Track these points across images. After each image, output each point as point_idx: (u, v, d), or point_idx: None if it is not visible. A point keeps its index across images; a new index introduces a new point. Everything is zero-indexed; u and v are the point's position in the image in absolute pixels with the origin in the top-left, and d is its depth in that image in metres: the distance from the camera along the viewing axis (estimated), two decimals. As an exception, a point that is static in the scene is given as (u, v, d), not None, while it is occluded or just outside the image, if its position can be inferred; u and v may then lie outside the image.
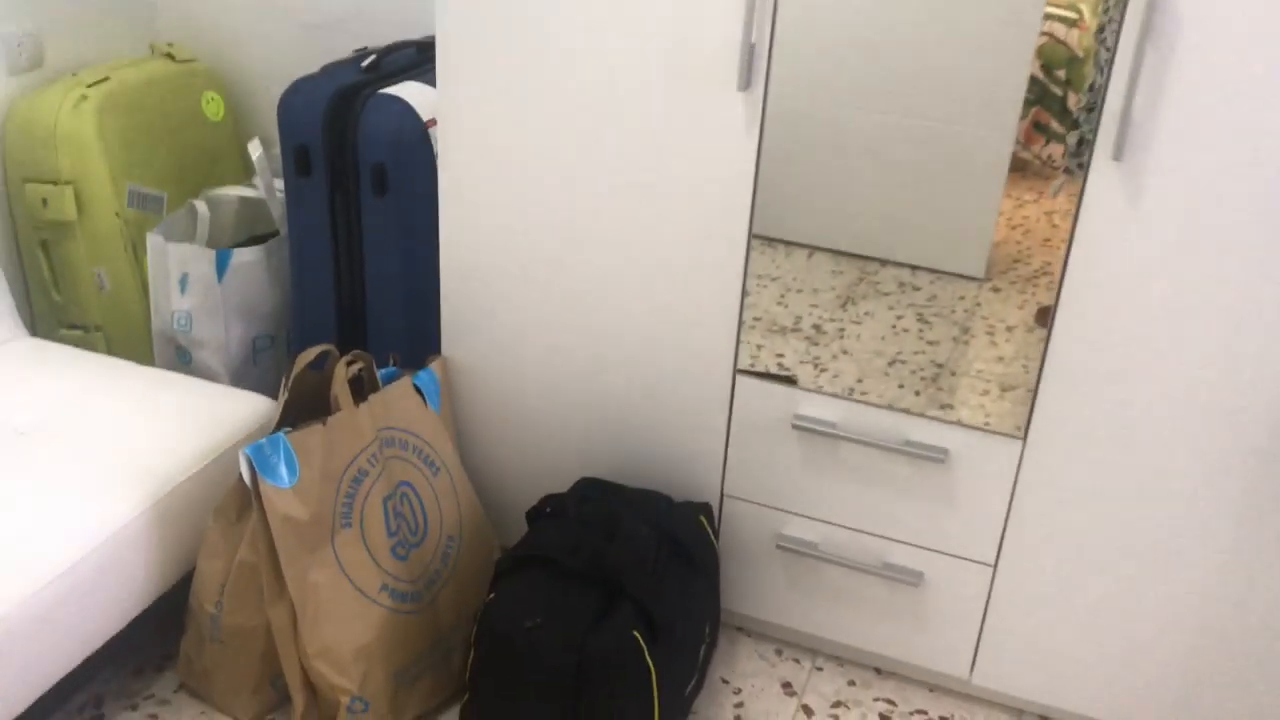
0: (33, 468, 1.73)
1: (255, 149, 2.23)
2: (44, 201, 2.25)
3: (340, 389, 1.74)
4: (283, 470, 1.67)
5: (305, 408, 1.81)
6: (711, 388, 1.85)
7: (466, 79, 1.77)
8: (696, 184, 1.71)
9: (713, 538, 1.88)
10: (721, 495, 1.94)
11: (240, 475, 1.71)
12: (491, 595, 1.69)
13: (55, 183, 2.24)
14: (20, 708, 1.58)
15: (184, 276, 2.19)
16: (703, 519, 1.87)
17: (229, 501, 1.74)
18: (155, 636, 1.94)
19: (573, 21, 1.68)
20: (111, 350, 2.38)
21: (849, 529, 1.87)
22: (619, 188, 1.76)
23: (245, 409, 1.93)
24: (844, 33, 1.56)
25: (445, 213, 1.88)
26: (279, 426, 1.76)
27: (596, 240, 1.81)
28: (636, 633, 1.62)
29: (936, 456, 1.74)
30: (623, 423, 1.93)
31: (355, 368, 1.79)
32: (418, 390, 1.88)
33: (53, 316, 2.41)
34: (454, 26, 1.75)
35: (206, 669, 1.83)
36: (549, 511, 1.83)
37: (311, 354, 1.79)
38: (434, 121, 2.01)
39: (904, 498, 1.80)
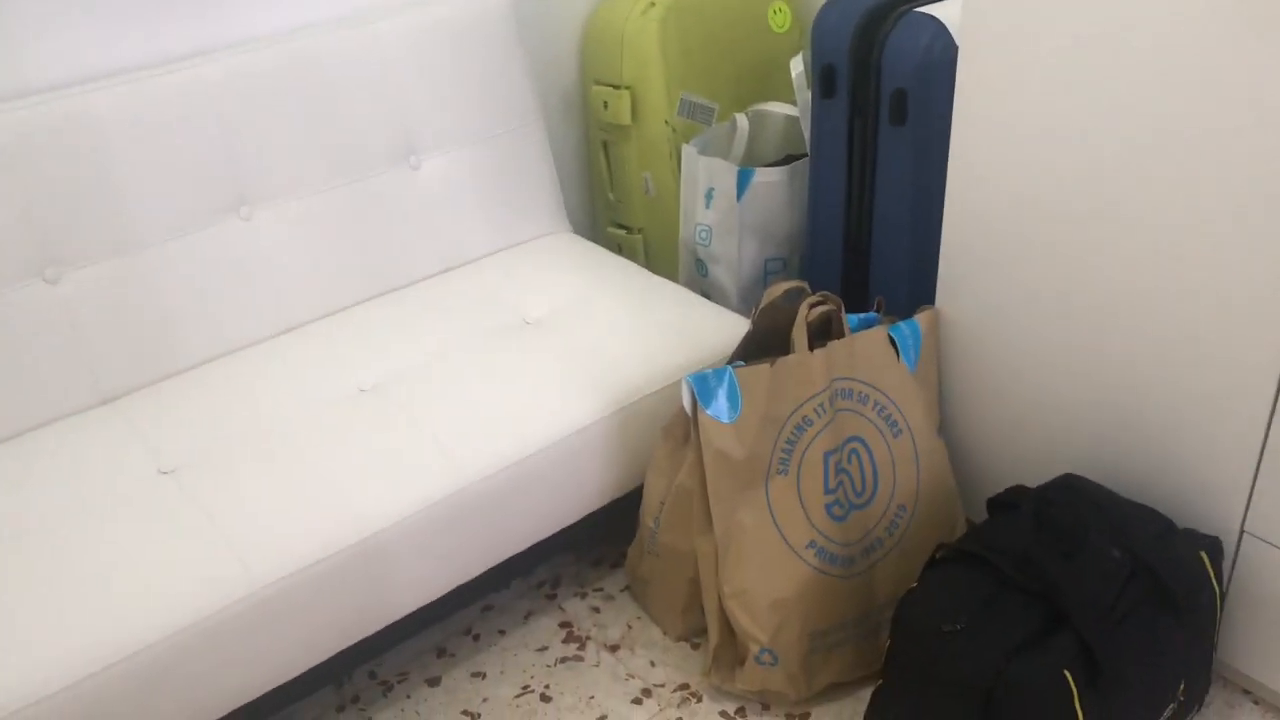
0: (530, 354, 1.84)
1: (796, 66, 2.15)
2: (605, 104, 2.36)
3: (798, 331, 1.64)
4: (724, 404, 1.61)
5: (769, 343, 1.74)
6: (1248, 399, 1.47)
7: (995, -2, 1.53)
8: (1274, 147, 1.34)
9: (1214, 580, 1.52)
10: (1240, 531, 1.56)
11: (682, 400, 1.69)
12: (916, 585, 1.52)
13: (617, 86, 2.35)
14: (497, 559, 1.72)
15: (710, 190, 2.19)
16: (1204, 555, 1.53)
17: (677, 423, 1.73)
18: (620, 535, 2.02)
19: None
20: (648, 253, 2.48)
21: None
22: (1166, 144, 1.43)
23: (727, 334, 1.90)
24: None
25: (957, 149, 1.66)
26: (734, 358, 1.71)
27: (1128, 203, 1.50)
28: (1069, 672, 1.37)
29: None
30: (1124, 421, 1.61)
31: (820, 310, 1.67)
32: (892, 342, 1.72)
33: (606, 215, 2.55)
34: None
35: (645, 578, 1.86)
36: (1009, 505, 1.60)
37: (781, 289, 1.70)
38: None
39: None
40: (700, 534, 1.68)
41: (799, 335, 1.63)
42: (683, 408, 1.70)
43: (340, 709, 1.77)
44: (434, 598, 1.69)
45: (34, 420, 1.76)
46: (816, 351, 1.64)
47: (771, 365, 1.62)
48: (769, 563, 1.64)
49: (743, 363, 1.63)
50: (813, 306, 1.66)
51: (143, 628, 1.42)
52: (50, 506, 1.59)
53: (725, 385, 1.61)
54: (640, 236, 2.47)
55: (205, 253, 1.87)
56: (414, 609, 1.67)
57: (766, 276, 2.24)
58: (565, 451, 1.73)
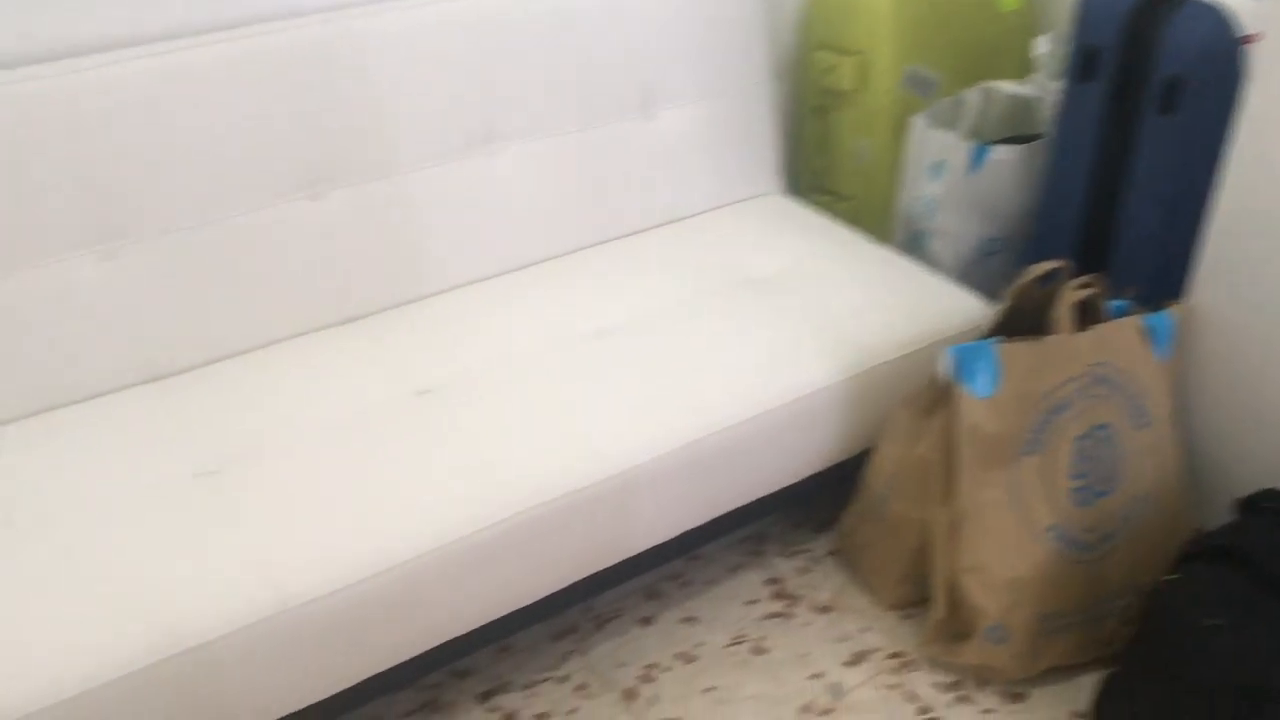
0: (761, 313, 1.85)
1: (1042, 45, 2.12)
2: (828, 69, 2.35)
3: (1064, 311, 1.63)
4: (983, 379, 1.61)
5: (1019, 322, 1.73)
6: None
7: (1309, -9, 1.50)
8: None
9: None
10: None
11: (937, 371, 1.69)
12: (1175, 575, 1.51)
13: (842, 52, 2.33)
14: (722, 509, 1.75)
15: (937, 163, 2.18)
16: None
17: (921, 394, 1.73)
18: (826, 500, 2.03)
19: None
20: (855, 222, 2.47)
21: None
22: None
23: (959, 307, 1.90)
24: None
25: (1243, 141, 1.63)
26: (990, 334, 1.70)
27: None
28: (1341, 681, 1.35)
29: None
30: (1394, 432, 1.59)
31: (1085, 292, 1.66)
32: (1146, 332, 1.70)
33: (810, 180, 2.55)
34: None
35: (861, 544, 1.88)
36: (1266, 508, 1.58)
37: (1043, 268, 1.69)
38: (1254, 37, 1.75)
39: None
40: (937, 506, 1.69)
41: (1066, 315, 1.62)
42: (930, 378, 1.70)
43: (555, 638, 1.81)
44: (663, 540, 1.72)
45: (283, 333, 1.81)
46: (1080, 334, 1.63)
47: (1035, 343, 1.61)
48: (1008, 541, 1.64)
49: (1002, 339, 1.62)
50: (1079, 288, 1.65)
51: (397, 545, 1.46)
52: (304, 421, 1.63)
53: (986, 360, 1.61)
54: (848, 205, 2.47)
55: (453, 184, 1.91)
56: (644, 549, 1.70)
57: (986, 256, 2.22)
58: (801, 411, 1.74)
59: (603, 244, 2.08)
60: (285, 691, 1.44)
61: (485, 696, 1.72)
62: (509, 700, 1.71)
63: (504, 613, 1.60)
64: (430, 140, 1.87)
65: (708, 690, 1.72)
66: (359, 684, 1.51)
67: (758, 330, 1.82)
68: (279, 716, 1.45)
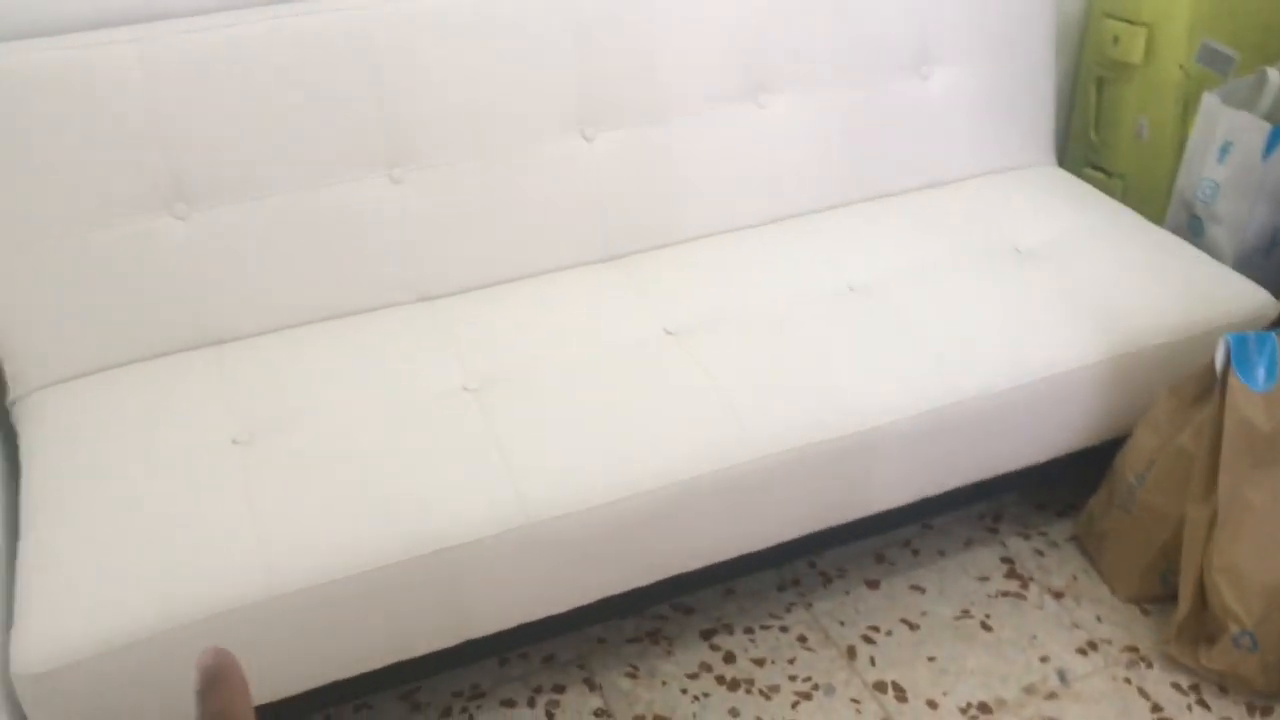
0: (1026, 283, 1.81)
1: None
2: (1114, 39, 2.24)
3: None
4: (1260, 371, 1.52)
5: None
6: None
7: None
8: None
9: None
10: None
11: (1211, 360, 1.60)
12: None
13: (1132, 22, 2.22)
14: (964, 480, 1.73)
15: (1226, 145, 2.05)
16: None
17: (1189, 383, 1.65)
18: (1071, 483, 1.96)
19: None
20: (1125, 200, 2.35)
21: None
22: None
23: (1239, 296, 1.79)
24: None
25: None
26: (1275, 325, 1.60)
27: None
28: None
29: None
30: None
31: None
32: None
33: (1082, 154, 2.44)
34: None
35: (1104, 532, 1.81)
36: None
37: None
38: None
39: None
40: (1196, 501, 1.61)
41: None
42: (1203, 368, 1.62)
43: (780, 588, 1.83)
44: (899, 504, 1.71)
45: (548, 264, 1.89)
46: (1379, 335, 1.52)
47: (1326, 340, 1.51)
48: (1269, 545, 1.55)
49: (1287, 332, 1.53)
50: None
51: (640, 475, 1.51)
52: (560, 350, 1.70)
53: (1267, 352, 1.52)
54: (1120, 181, 2.35)
55: (720, 133, 1.93)
56: (881, 510, 1.70)
57: (1273, 246, 2.08)
58: (1059, 387, 1.69)
59: (865, 202, 2.06)
60: (522, 602, 1.52)
61: (707, 634, 1.76)
62: (729, 641, 1.75)
63: (734, 554, 1.63)
64: (701, 88, 1.90)
65: (930, 659, 1.71)
66: (590, 604, 1.58)
67: (1017, 300, 1.77)
68: (514, 624, 1.54)
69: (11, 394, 1.65)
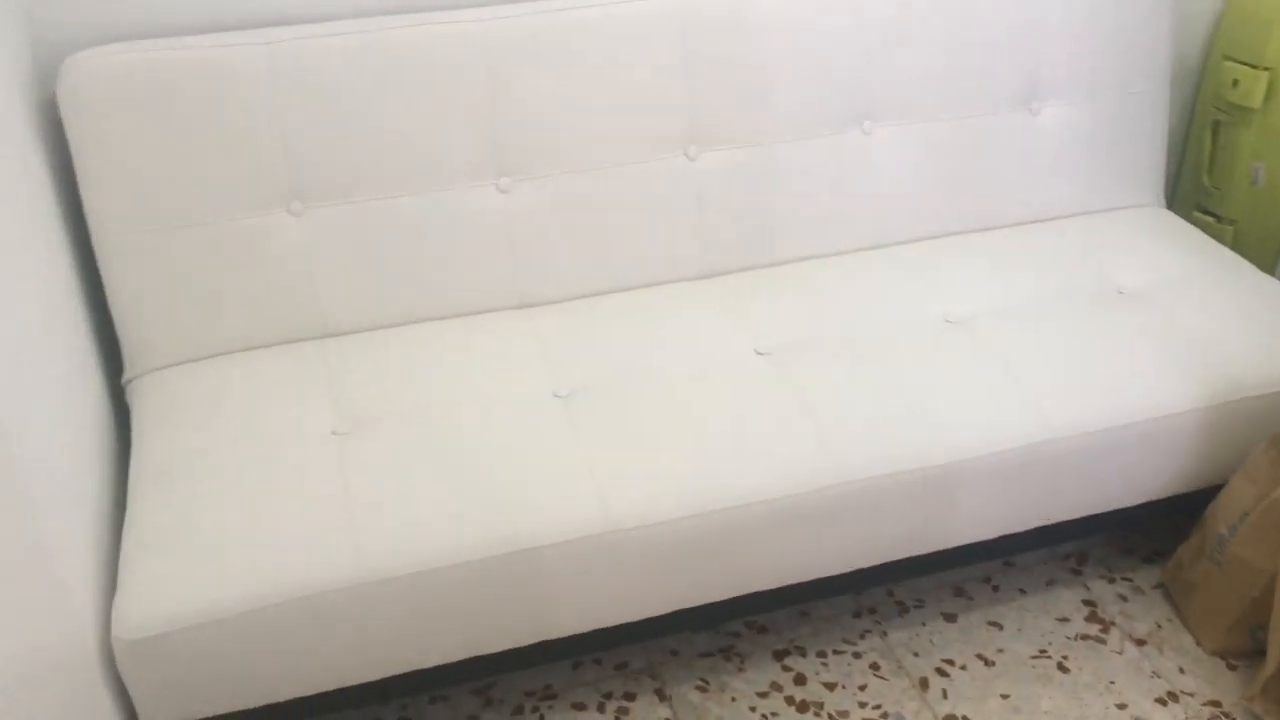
0: (1125, 325, 1.79)
1: None
2: (1234, 82, 2.20)
3: None
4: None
5: None
6: None
7: None
8: None
9: None
10: None
11: (1315, 414, 1.57)
12: None
13: (1254, 66, 2.18)
14: (1047, 520, 1.71)
15: (1345, 195, 2.00)
16: None
17: (1291, 435, 1.62)
18: (1160, 530, 1.93)
19: None
20: (1235, 246, 2.31)
21: None
22: None
23: (1351, 352, 1.75)
24: None
25: None
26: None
27: None
28: None
29: None
30: None
31: None
32: None
33: (1192, 198, 2.40)
34: None
35: (1192, 582, 1.78)
36: None
37: None
38: None
39: None
40: (1289, 556, 1.58)
41: None
42: (1305, 420, 1.59)
43: (856, 615, 1.83)
44: (981, 538, 1.70)
45: (644, 279, 1.92)
46: None
47: None
48: (1366, 607, 1.51)
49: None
50: None
51: (724, 491, 1.53)
52: (653, 362, 1.73)
53: (1374, 409, 1.48)
54: (1230, 228, 2.31)
55: (823, 158, 1.94)
56: (963, 543, 1.69)
57: (1388, 302, 2.02)
58: (1153, 432, 1.67)
59: (965, 234, 2.06)
60: (598, 607, 1.55)
61: (780, 655, 1.77)
62: (801, 663, 1.75)
63: (811, 577, 1.64)
64: (806, 114, 1.91)
65: (1004, 696, 1.69)
66: (665, 615, 1.60)
67: (1117, 342, 1.76)
68: (590, 628, 1.56)
69: (127, 374, 1.73)
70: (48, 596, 1.02)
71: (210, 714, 1.45)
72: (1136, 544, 1.95)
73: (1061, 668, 1.74)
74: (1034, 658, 1.75)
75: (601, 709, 1.68)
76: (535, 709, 1.69)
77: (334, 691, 1.52)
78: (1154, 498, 1.75)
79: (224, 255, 1.71)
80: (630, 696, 1.70)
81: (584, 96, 1.80)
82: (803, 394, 1.66)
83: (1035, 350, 1.74)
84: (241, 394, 1.67)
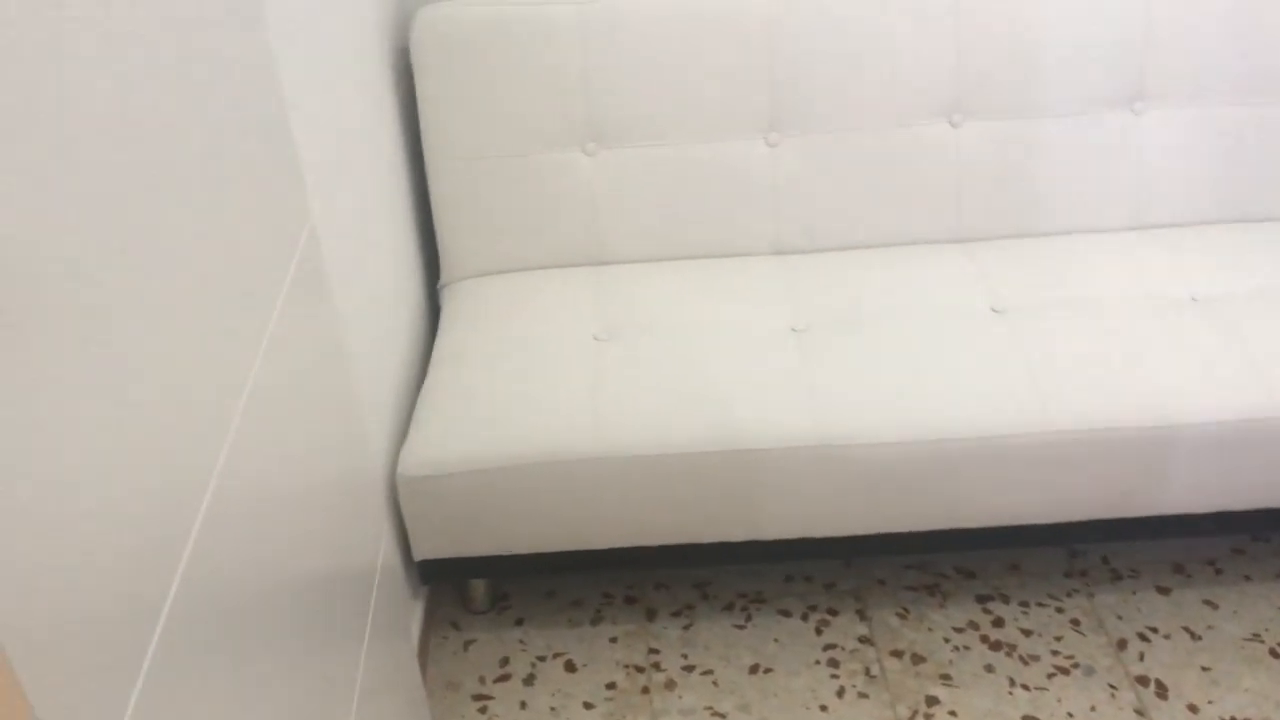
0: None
1: None
2: None
3: None
4: None
5: None
6: None
7: None
8: None
9: None
10: None
11: None
12: None
13: None
14: (1253, 504, 1.72)
15: None
16: None
17: None
18: None
19: None
20: None
21: None
22: None
23: None
24: None
25: None
26: None
27: None
28: None
29: None
30: None
31: None
32: None
33: None
34: None
35: None
36: None
37: None
38: None
39: None
40: None
41: None
42: None
43: (1067, 574, 1.89)
44: (1198, 510, 1.71)
45: (903, 239, 2.05)
46: None
47: None
48: None
49: None
50: None
51: (941, 424, 1.64)
52: (890, 311, 1.86)
53: None
54: None
55: (1090, 135, 2.00)
56: (1177, 511, 1.71)
57: None
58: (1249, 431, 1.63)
59: (1229, 224, 2.04)
60: (807, 516, 1.71)
61: (982, 599, 1.85)
62: (1002, 609, 1.83)
63: (1015, 522, 1.72)
64: (1074, 89, 1.98)
65: (1204, 669, 1.70)
66: (873, 536, 1.74)
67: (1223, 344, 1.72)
68: (796, 535, 1.73)
69: (442, 280, 2.07)
70: (353, 438, 1.31)
71: (464, 553, 1.74)
72: (1383, 551, 1.88)
73: (1274, 654, 1.72)
74: (1246, 639, 1.75)
75: (805, 618, 1.84)
76: (744, 609, 1.87)
77: (571, 553, 1.77)
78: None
79: (527, 184, 2.01)
80: (833, 612, 1.85)
81: (854, 60, 1.95)
82: (1028, 348, 1.74)
83: (1273, 330, 1.73)
84: (528, 304, 1.95)
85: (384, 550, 1.40)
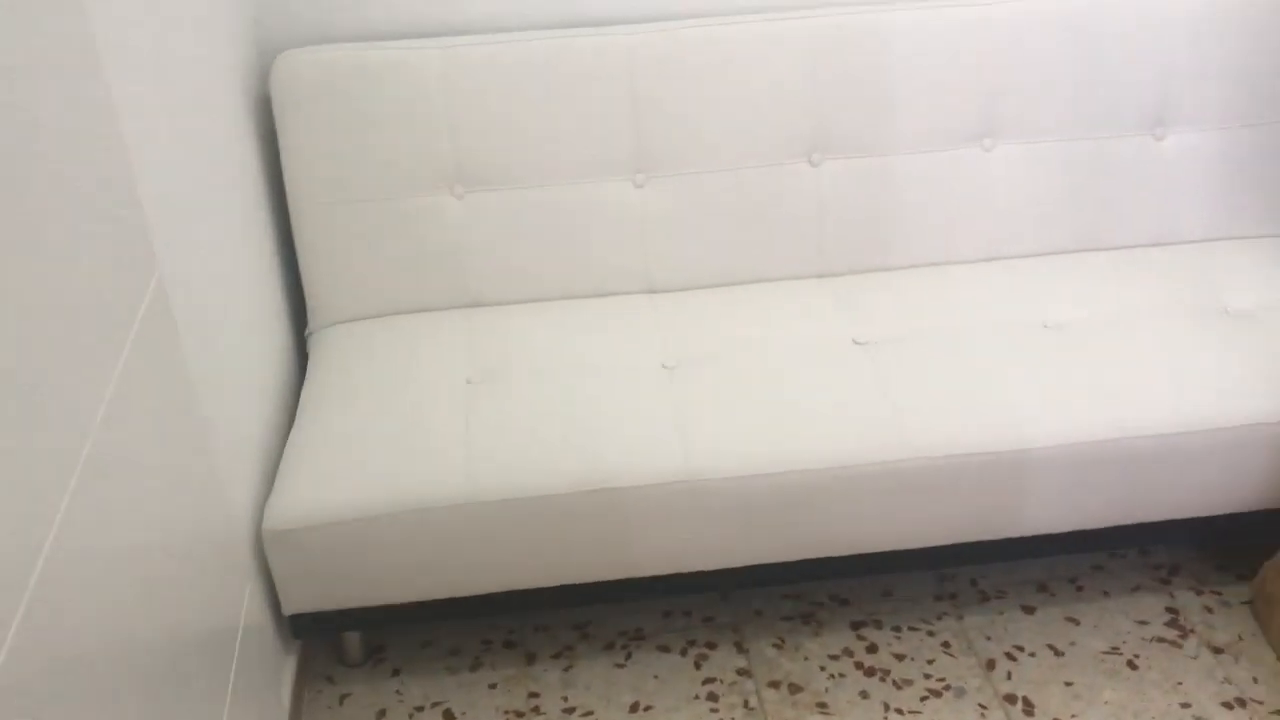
0: (1222, 338, 1.85)
1: None
2: (1383, 118, 2.20)
3: None
4: None
5: None
6: None
7: None
8: None
9: None
10: None
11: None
12: None
13: (1403, 102, 2.17)
14: (1127, 519, 1.78)
15: None
16: None
17: (1368, 449, 1.64)
18: (1259, 548, 1.94)
19: None
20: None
21: None
22: None
23: None
24: None
25: None
26: None
27: None
28: None
29: None
30: None
31: None
32: None
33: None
34: None
35: (1273, 596, 1.79)
36: None
37: None
38: None
39: None
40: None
41: None
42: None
43: (937, 598, 1.93)
44: (1054, 530, 1.78)
45: (766, 275, 2.09)
46: None
47: None
48: None
49: None
50: None
51: (807, 454, 1.68)
52: (752, 342, 1.90)
53: None
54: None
55: (942, 171, 2.07)
56: (1035, 532, 1.77)
57: None
58: (1233, 440, 1.72)
59: (1079, 253, 2.12)
60: (680, 552, 1.72)
61: (856, 625, 1.89)
62: (876, 635, 1.87)
63: (884, 549, 1.76)
64: (927, 128, 2.05)
65: (1067, 684, 1.76)
66: (746, 569, 1.76)
67: (1211, 355, 1.81)
68: (671, 571, 1.74)
69: (310, 327, 2.04)
70: (209, 494, 1.28)
71: (337, 606, 1.70)
72: (1231, 561, 1.97)
73: (1131, 665, 1.79)
74: (1105, 653, 1.81)
75: (684, 653, 1.85)
76: (624, 647, 1.87)
77: (448, 600, 1.75)
78: (1236, 509, 1.79)
79: (395, 229, 2.00)
80: (712, 645, 1.86)
81: (716, 105, 1.99)
82: (888, 379, 1.79)
83: (1125, 356, 1.82)
84: (398, 348, 1.93)
85: (248, 606, 1.37)
